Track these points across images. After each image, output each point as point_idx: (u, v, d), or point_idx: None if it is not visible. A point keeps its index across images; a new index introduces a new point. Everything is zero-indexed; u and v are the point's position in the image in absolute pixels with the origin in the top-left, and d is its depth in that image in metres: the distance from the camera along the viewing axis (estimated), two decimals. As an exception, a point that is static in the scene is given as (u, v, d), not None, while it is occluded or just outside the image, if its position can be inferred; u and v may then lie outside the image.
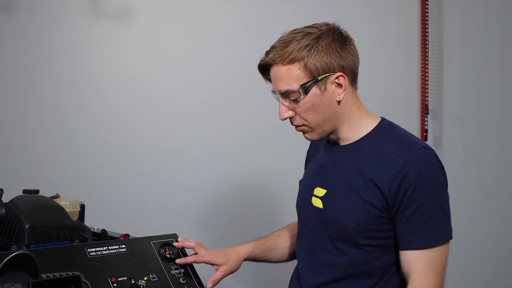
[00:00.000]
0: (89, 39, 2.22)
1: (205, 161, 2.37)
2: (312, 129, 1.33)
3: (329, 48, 1.29)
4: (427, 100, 2.81)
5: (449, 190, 2.95)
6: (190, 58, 2.38)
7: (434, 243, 1.25)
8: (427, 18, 2.81)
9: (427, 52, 2.82)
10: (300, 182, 1.54)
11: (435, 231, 1.25)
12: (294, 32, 1.31)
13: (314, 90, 1.28)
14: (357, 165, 1.32)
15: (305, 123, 1.32)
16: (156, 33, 2.32)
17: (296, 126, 1.35)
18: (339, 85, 1.30)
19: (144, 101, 2.30)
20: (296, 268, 1.49)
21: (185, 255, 1.40)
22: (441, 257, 1.27)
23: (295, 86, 1.27)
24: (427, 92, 2.82)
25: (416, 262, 1.26)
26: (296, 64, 1.27)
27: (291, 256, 1.59)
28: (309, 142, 1.57)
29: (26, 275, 1.06)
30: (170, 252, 1.38)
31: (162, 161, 2.32)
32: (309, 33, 1.30)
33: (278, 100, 1.33)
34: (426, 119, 2.80)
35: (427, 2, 2.79)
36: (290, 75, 1.28)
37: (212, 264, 1.46)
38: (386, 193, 1.26)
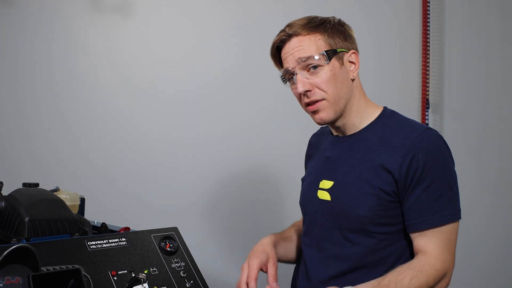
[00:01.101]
0: (88, 34, 2.21)
1: (205, 154, 2.37)
2: (330, 104, 1.32)
3: (341, 29, 1.37)
4: (428, 94, 2.81)
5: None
6: (189, 52, 2.38)
7: (445, 222, 1.25)
8: (428, 13, 2.80)
9: (428, 46, 2.81)
10: (303, 180, 1.53)
11: (445, 209, 1.25)
12: (302, 18, 1.36)
13: (334, 61, 1.31)
14: (365, 153, 1.33)
15: (325, 96, 1.31)
16: (156, 28, 2.31)
17: (312, 104, 1.33)
18: (353, 63, 1.36)
19: (143, 95, 2.30)
20: (304, 264, 1.46)
21: (187, 250, 1.40)
22: (452, 236, 1.27)
23: (318, 53, 1.30)
24: (428, 86, 2.81)
25: (429, 241, 1.25)
26: (317, 34, 1.32)
27: (298, 256, 1.55)
28: (308, 141, 1.61)
29: (26, 268, 1.05)
30: (171, 245, 1.38)
31: (162, 155, 2.31)
32: (318, 17, 1.36)
33: (292, 77, 1.33)
34: (426, 113, 2.79)
35: (428, -3, 2.78)
36: (312, 44, 1.31)
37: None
38: (396, 176, 1.26)
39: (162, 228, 1.41)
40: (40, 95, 2.14)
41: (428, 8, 2.81)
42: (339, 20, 1.39)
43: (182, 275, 1.33)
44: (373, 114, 1.39)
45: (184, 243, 1.42)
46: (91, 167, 2.20)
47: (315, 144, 1.55)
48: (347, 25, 1.39)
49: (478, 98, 2.96)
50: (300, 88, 1.31)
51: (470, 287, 2.87)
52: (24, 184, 1.52)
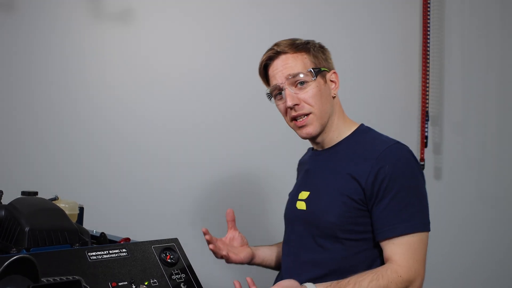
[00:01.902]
0: (87, 41, 2.20)
1: (206, 164, 2.36)
2: (317, 117, 1.41)
3: (322, 50, 1.48)
4: (427, 107, 2.81)
5: (448, 195, 2.97)
6: (188, 60, 2.38)
7: (411, 230, 1.29)
8: (428, 25, 2.82)
9: (428, 58, 2.82)
10: (289, 194, 1.62)
11: (412, 219, 1.30)
12: (289, 38, 1.47)
13: (319, 78, 1.42)
14: (338, 163, 1.42)
15: (312, 110, 1.41)
16: (155, 34, 2.31)
17: (299, 118, 1.41)
18: (333, 82, 1.47)
19: (141, 104, 2.29)
20: (280, 273, 1.53)
21: (187, 261, 1.39)
22: (420, 246, 1.30)
23: (305, 70, 1.40)
24: (428, 99, 2.82)
25: (396, 249, 1.30)
26: (303, 53, 1.43)
27: (278, 265, 1.63)
28: (299, 160, 1.69)
29: (26, 279, 1.04)
30: (171, 256, 1.37)
31: (160, 164, 2.30)
32: (303, 39, 1.48)
33: (279, 93, 1.42)
34: (426, 125, 2.80)
35: (428, 9, 2.79)
36: (299, 62, 1.41)
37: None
38: (363, 184, 1.33)
39: (162, 239, 1.40)
40: (38, 103, 2.14)
41: (428, 20, 2.82)
42: (319, 43, 1.50)
43: (183, 287, 1.32)
44: (349, 129, 1.47)
45: (185, 255, 1.41)
46: (88, 176, 2.19)
47: (301, 163, 1.66)
48: (326, 48, 1.51)
49: (478, 110, 2.97)
50: (289, 102, 1.40)
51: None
52: (23, 193, 1.51)
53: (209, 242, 1.48)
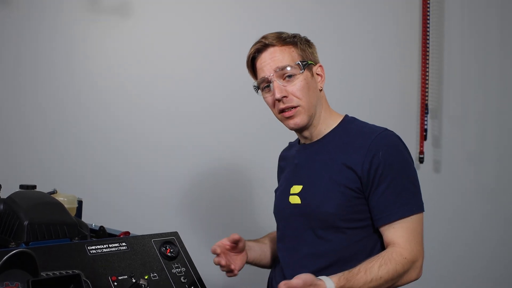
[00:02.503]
0: (87, 34, 2.19)
1: (206, 158, 2.36)
2: (304, 110, 1.42)
3: (308, 44, 1.49)
4: (427, 100, 2.81)
5: (447, 188, 2.97)
6: (186, 54, 2.36)
7: (409, 213, 1.34)
8: (428, 18, 2.81)
9: (428, 51, 2.81)
10: (276, 191, 1.62)
11: (408, 202, 1.35)
12: (276, 31, 1.48)
13: (307, 71, 1.43)
14: (329, 155, 1.43)
15: (300, 102, 1.41)
16: (154, 28, 2.30)
17: (287, 111, 1.42)
18: (319, 75, 1.48)
19: (142, 96, 2.28)
20: (279, 267, 1.51)
21: (187, 255, 1.38)
22: (418, 228, 1.35)
23: (293, 62, 1.41)
24: (427, 92, 2.81)
25: (397, 233, 1.33)
26: (291, 46, 1.44)
27: (273, 261, 1.62)
28: (278, 156, 1.69)
29: (26, 273, 1.03)
30: (171, 250, 1.36)
31: (159, 156, 2.29)
32: (290, 33, 1.48)
33: (267, 85, 1.43)
34: (425, 118, 2.79)
35: (428, 2, 2.78)
36: (288, 55, 1.42)
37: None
38: (359, 173, 1.36)
39: (162, 233, 1.39)
40: (38, 96, 2.12)
41: (428, 13, 2.81)
42: (305, 37, 1.51)
43: (183, 280, 1.32)
44: (335, 121, 1.49)
45: (185, 248, 1.40)
46: (86, 169, 2.18)
47: (285, 157, 1.65)
48: (311, 42, 1.52)
49: (477, 103, 2.97)
50: (277, 94, 1.40)
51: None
52: (21, 186, 1.50)
53: (220, 263, 1.47)
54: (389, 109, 2.71)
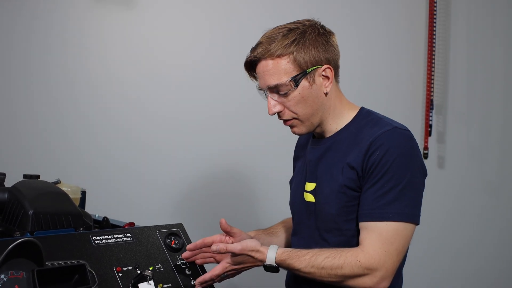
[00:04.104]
0: (85, 26, 2.18)
1: (209, 150, 2.35)
2: (301, 122, 1.36)
3: (316, 42, 1.32)
4: (432, 95, 2.79)
5: (451, 184, 2.95)
6: (190, 44, 2.35)
7: (383, 219, 1.24)
8: (434, 14, 2.79)
9: (434, 47, 2.79)
10: (290, 182, 1.58)
11: (388, 207, 1.24)
12: (279, 28, 1.34)
13: (304, 82, 1.32)
14: (339, 154, 1.37)
15: (295, 116, 1.35)
16: (156, 18, 2.28)
17: (285, 121, 1.37)
18: (326, 77, 1.34)
19: (145, 86, 2.27)
20: None
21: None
22: (393, 237, 1.23)
23: (285, 79, 1.30)
24: (433, 88, 2.79)
25: (367, 235, 1.25)
26: (285, 57, 1.30)
27: None
28: (296, 141, 1.62)
29: (31, 262, 1.03)
30: (176, 242, 1.35)
31: (165, 148, 2.28)
32: (294, 28, 1.33)
33: (265, 95, 1.35)
34: (430, 114, 2.78)
35: (434, -2, 2.77)
36: (280, 69, 1.30)
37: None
38: (360, 172, 1.30)
39: (167, 225, 1.38)
40: (40, 87, 2.11)
41: (435, 9, 2.78)
42: (318, 30, 1.34)
43: (187, 272, 1.31)
44: (349, 116, 1.40)
45: (190, 240, 1.40)
46: (90, 160, 2.17)
47: (301, 146, 1.59)
48: (326, 34, 1.35)
49: (482, 100, 2.95)
50: (272, 110, 1.34)
51: (467, 286, 2.88)
52: (25, 176, 1.49)
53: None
54: (394, 105, 2.70)
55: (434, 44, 2.79)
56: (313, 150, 1.45)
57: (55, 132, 2.14)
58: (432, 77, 2.79)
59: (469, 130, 2.93)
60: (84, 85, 2.18)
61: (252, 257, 1.28)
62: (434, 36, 2.79)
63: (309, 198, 1.42)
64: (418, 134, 2.79)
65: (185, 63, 2.33)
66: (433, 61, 2.79)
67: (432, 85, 2.79)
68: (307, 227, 1.43)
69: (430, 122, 2.78)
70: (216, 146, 2.36)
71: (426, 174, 1.34)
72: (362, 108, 1.43)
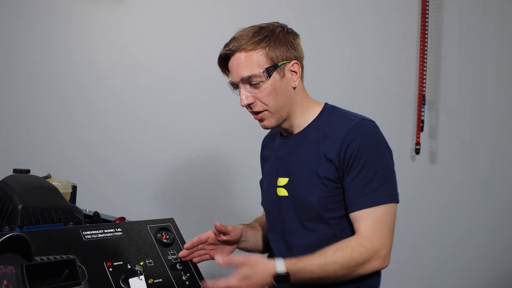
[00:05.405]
0: (88, 20, 2.17)
1: (202, 144, 2.34)
2: (271, 114, 1.44)
3: (285, 40, 1.44)
4: (424, 91, 2.80)
5: (442, 179, 2.96)
6: (183, 40, 2.34)
7: (374, 203, 1.35)
8: (427, 10, 2.79)
9: (426, 43, 2.80)
10: (261, 182, 1.64)
11: (375, 193, 1.36)
12: (251, 26, 1.45)
13: (275, 75, 1.41)
14: (310, 147, 1.45)
15: (266, 107, 1.42)
16: (155, 12, 2.27)
17: (256, 114, 1.45)
18: (294, 72, 1.45)
19: (139, 82, 2.26)
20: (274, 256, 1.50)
21: (183, 242, 1.37)
22: (385, 218, 1.36)
23: (258, 70, 1.39)
24: (425, 83, 2.80)
25: (362, 222, 1.35)
26: (258, 50, 1.40)
27: (265, 248, 1.63)
28: (260, 144, 1.70)
29: (20, 257, 1.02)
30: (167, 237, 1.35)
31: (155, 143, 2.28)
32: (265, 27, 1.44)
33: (237, 88, 1.43)
34: (422, 109, 2.78)
35: (427, -6, 2.77)
36: (253, 61, 1.40)
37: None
38: (337, 164, 1.39)
39: (158, 219, 1.38)
40: (33, 82, 2.10)
41: (427, 6, 2.79)
42: (286, 30, 1.46)
43: (178, 267, 1.31)
44: (315, 112, 1.49)
45: (181, 235, 1.39)
46: (80, 154, 2.16)
47: (267, 146, 1.66)
48: (293, 34, 1.47)
49: (474, 96, 2.97)
50: (244, 102, 1.42)
51: (457, 282, 2.90)
52: (15, 170, 1.48)
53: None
54: (387, 100, 2.70)
55: (426, 40, 2.80)
56: (283, 146, 1.53)
57: (45, 127, 2.12)
58: (424, 73, 2.80)
59: (461, 125, 2.95)
60: (76, 83, 2.16)
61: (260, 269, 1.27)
62: (426, 32, 2.79)
63: (282, 192, 1.49)
64: (410, 130, 2.80)
65: (176, 59, 2.32)
66: (425, 56, 2.80)
67: (424, 81, 2.80)
68: (283, 221, 1.49)
69: (422, 118, 2.79)
70: (206, 141, 2.35)
71: (392, 154, 1.45)
72: (326, 104, 1.52)
